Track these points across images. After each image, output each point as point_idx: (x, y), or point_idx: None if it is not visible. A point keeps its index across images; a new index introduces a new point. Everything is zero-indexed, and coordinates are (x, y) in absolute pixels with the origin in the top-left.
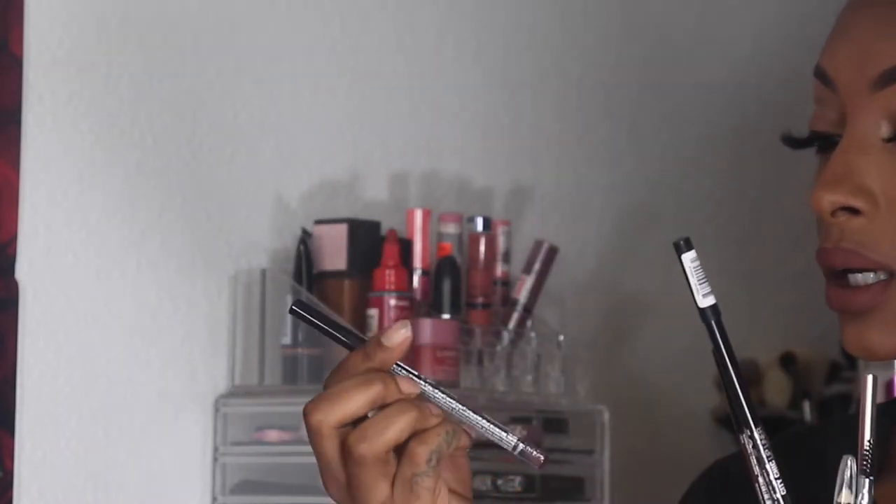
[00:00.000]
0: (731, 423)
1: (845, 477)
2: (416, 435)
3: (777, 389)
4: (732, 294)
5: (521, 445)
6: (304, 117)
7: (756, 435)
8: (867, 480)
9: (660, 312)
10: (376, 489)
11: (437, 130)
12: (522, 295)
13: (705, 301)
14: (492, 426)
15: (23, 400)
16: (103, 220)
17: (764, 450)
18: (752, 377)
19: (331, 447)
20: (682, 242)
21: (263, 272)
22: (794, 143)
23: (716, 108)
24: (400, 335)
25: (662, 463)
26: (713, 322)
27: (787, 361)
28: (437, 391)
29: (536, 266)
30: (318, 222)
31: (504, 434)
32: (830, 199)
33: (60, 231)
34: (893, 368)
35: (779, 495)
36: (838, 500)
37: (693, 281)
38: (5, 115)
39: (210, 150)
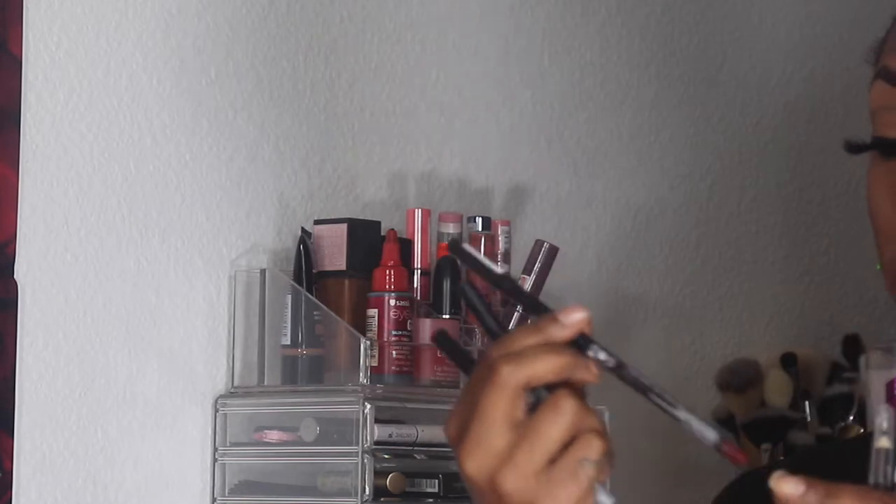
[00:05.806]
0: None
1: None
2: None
3: (778, 389)
4: (733, 294)
5: (722, 444)
6: (305, 117)
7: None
8: None
9: (660, 312)
10: (498, 429)
11: (437, 130)
12: None
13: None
14: (692, 419)
15: (22, 400)
16: (103, 219)
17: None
18: (753, 377)
19: (507, 404)
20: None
21: (263, 272)
22: (856, 148)
23: (716, 108)
24: (577, 316)
25: (662, 463)
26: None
27: (788, 361)
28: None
29: (536, 266)
30: (318, 222)
31: (705, 430)
32: None
33: (60, 231)
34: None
35: None
36: (877, 446)
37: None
38: (5, 115)
39: (210, 150)
